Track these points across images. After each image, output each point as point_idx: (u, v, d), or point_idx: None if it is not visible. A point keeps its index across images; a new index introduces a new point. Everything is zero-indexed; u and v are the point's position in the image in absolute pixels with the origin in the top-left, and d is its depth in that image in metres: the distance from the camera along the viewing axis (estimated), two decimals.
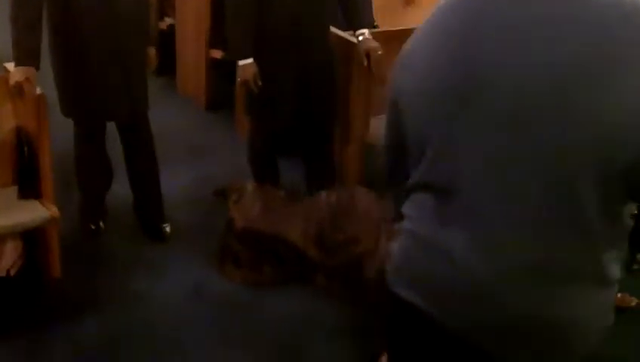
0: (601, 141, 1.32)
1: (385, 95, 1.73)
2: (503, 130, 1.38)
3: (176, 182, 4.28)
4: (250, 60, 3.56)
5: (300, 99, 3.72)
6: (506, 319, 1.47)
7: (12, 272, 3.31)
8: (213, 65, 5.34)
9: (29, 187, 3.18)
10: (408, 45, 1.60)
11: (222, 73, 5.29)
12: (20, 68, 3.14)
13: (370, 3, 4.03)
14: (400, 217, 1.66)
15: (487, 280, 1.45)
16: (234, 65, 4.81)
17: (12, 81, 3.13)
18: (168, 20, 5.87)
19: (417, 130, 1.54)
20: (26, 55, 3.13)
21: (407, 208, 1.63)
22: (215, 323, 3.24)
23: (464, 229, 1.47)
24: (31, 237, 3.29)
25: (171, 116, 5.15)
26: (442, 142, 1.47)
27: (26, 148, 3.14)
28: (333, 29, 3.99)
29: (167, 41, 5.79)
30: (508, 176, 1.40)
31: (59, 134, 3.61)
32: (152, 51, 3.66)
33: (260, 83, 3.58)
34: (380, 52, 3.69)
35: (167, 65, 5.84)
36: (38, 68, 3.17)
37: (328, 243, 3.53)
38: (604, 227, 1.40)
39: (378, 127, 4.02)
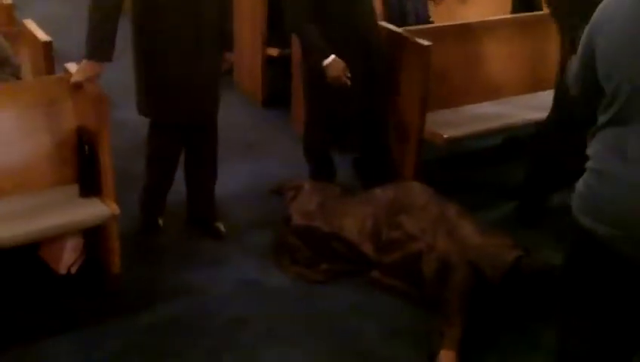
0: None
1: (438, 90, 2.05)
2: None
3: (233, 178, 4.32)
4: (333, 56, 3.58)
5: (364, 94, 3.75)
6: None
7: (73, 270, 3.38)
8: (269, 62, 5.38)
9: (89, 185, 3.23)
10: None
11: (278, 70, 5.34)
12: (84, 66, 3.20)
13: None
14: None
15: None
16: (289, 62, 4.87)
17: (72, 80, 3.19)
18: None
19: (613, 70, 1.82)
20: (98, 48, 3.18)
21: (592, 149, 1.94)
22: (270, 318, 3.25)
23: None
24: (92, 234, 3.35)
25: (229, 113, 5.12)
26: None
27: (86, 147, 3.19)
28: (383, 24, 3.97)
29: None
30: None
31: (118, 131, 3.69)
32: (230, 55, 3.71)
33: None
34: None
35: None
36: (110, 60, 3.21)
37: (384, 240, 3.51)
38: None
39: (434, 122, 4.02)
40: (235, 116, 5.25)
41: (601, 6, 1.91)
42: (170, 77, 3.37)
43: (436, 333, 3.06)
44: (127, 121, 3.56)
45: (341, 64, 3.58)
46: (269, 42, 5.32)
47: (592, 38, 1.89)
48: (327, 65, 3.59)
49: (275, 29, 5.23)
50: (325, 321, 3.25)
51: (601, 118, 1.90)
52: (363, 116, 3.88)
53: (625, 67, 1.79)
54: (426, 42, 3.85)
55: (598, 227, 1.89)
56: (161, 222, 3.84)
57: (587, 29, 1.93)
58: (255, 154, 4.73)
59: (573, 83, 2.10)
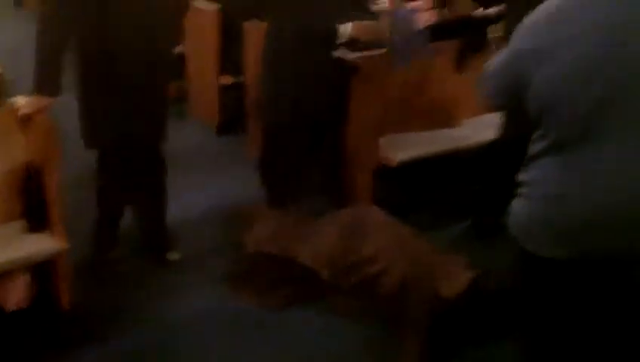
0: None
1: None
2: None
3: (189, 205, 4.29)
4: None
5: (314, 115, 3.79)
6: None
7: (23, 305, 3.30)
8: (223, 90, 5.38)
9: (37, 219, 3.17)
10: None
11: (232, 98, 5.35)
12: (33, 98, 3.15)
13: None
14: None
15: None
16: (243, 89, 4.88)
17: (21, 113, 3.15)
18: (179, 47, 5.90)
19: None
20: (45, 82, 3.14)
21: (530, 174, 1.94)
22: (228, 346, 3.21)
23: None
24: (42, 268, 3.28)
25: (183, 141, 5.17)
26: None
27: (34, 181, 3.14)
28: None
29: (177, 67, 5.84)
30: None
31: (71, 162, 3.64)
32: (175, 82, 3.70)
33: None
34: None
35: (179, 91, 5.89)
36: (57, 95, 3.16)
37: (341, 264, 3.50)
38: None
39: (387, 146, 4.04)
40: (190, 144, 5.23)
41: (539, 30, 1.84)
42: (115, 106, 3.34)
43: (396, 355, 3.06)
44: (81, 152, 3.51)
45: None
46: (222, 70, 5.32)
47: (530, 63, 1.83)
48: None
49: (229, 57, 5.25)
50: (285, 348, 3.22)
51: (540, 144, 1.89)
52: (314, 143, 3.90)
53: (580, 94, 1.76)
54: (376, 68, 3.87)
55: (544, 250, 1.91)
56: (114, 253, 3.78)
57: (525, 51, 1.85)
58: (211, 182, 4.70)
59: (493, 95, 2.08)
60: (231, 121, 5.40)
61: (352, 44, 3.87)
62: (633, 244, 1.81)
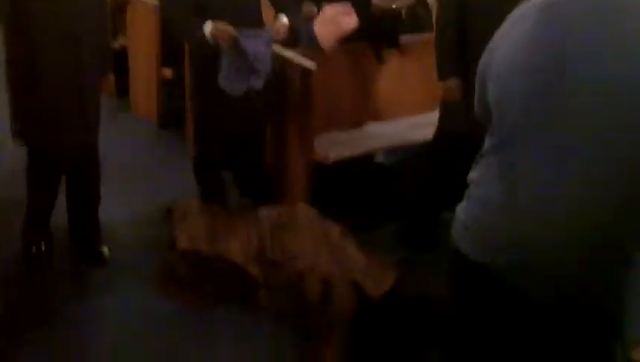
0: None
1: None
2: None
3: (124, 201, 4.27)
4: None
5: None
6: None
7: None
8: (164, 83, 5.35)
9: None
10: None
11: (173, 91, 5.32)
12: None
13: None
14: None
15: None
16: (183, 83, 4.87)
17: None
18: (121, 40, 5.86)
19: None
20: None
21: (475, 174, 1.87)
22: (152, 346, 3.20)
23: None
24: None
25: (123, 135, 5.17)
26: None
27: None
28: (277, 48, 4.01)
29: (120, 61, 5.79)
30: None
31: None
32: (110, 77, 3.65)
33: None
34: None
35: (121, 85, 5.84)
36: None
37: (268, 261, 3.52)
38: None
39: (322, 144, 4.07)
40: (130, 138, 5.22)
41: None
42: (45, 102, 3.31)
43: (318, 354, 3.08)
44: (7, 146, 3.49)
45: (219, 24, 3.55)
46: (163, 63, 5.29)
47: (489, 55, 1.83)
48: (210, 30, 3.55)
49: (169, 50, 5.22)
50: (205, 347, 3.22)
51: (487, 143, 1.84)
52: (238, 134, 3.92)
53: (516, 87, 1.72)
54: (309, 64, 3.89)
55: (483, 257, 1.81)
56: (43, 246, 3.75)
57: (489, 44, 1.86)
58: (149, 177, 4.68)
59: (474, 98, 2.00)
60: (172, 115, 5.37)
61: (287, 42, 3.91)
62: (545, 274, 1.72)
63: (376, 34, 4.28)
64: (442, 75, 3.69)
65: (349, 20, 3.97)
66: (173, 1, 3.81)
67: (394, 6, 4.23)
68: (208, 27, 3.54)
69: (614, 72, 1.57)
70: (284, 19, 3.73)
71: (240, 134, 3.93)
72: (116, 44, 5.83)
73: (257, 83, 3.71)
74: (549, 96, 1.65)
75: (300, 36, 4.09)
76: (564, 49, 1.62)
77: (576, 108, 1.61)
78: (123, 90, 5.82)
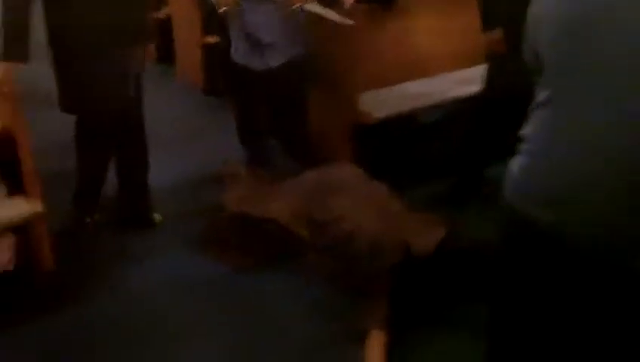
0: None
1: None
2: None
3: (171, 167, 4.34)
4: None
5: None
6: None
7: (9, 268, 3.38)
8: (209, 49, 5.38)
9: (14, 184, 3.23)
10: None
11: (220, 58, 5.34)
12: (0, 65, 3.18)
13: None
14: None
15: None
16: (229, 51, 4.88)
17: None
18: (166, 10, 5.91)
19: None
20: (12, 47, 3.13)
21: (526, 129, 1.84)
22: (193, 313, 3.25)
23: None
24: (23, 233, 3.35)
25: (169, 102, 5.25)
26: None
27: (8, 147, 3.19)
28: (307, 6, 3.98)
29: (165, 30, 5.86)
30: None
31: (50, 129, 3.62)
32: (150, 47, 3.68)
33: None
34: None
35: (167, 53, 5.92)
36: (25, 60, 3.17)
37: (315, 222, 3.53)
38: None
39: (366, 102, 4.05)
40: (176, 106, 5.29)
41: None
42: (87, 71, 3.35)
43: (365, 313, 3.10)
44: (59, 118, 3.56)
45: None
46: (207, 30, 5.31)
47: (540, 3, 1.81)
48: None
49: (215, 16, 5.22)
50: (252, 310, 3.25)
51: (538, 96, 1.81)
52: (277, 102, 3.92)
53: (554, 41, 1.72)
54: (347, 21, 3.86)
55: (535, 211, 1.78)
56: (97, 216, 3.84)
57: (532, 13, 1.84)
58: (196, 142, 4.74)
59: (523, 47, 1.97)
60: (218, 82, 5.39)
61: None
62: (609, 224, 1.68)
63: None
64: (486, 25, 3.62)
65: None
66: None
67: None
68: None
69: None
70: None
71: (279, 100, 3.93)
72: (162, 14, 5.92)
73: (273, 59, 3.67)
74: (600, 42, 1.63)
75: None
76: None
77: (624, 56, 1.59)
78: (169, 57, 5.92)
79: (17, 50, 3.15)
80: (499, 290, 2.04)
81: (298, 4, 3.62)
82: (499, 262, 2.02)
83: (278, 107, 3.95)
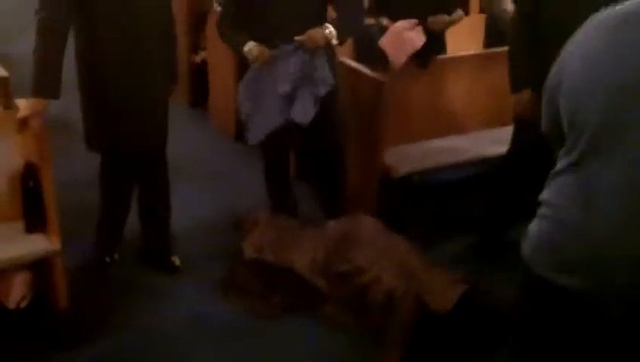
0: None
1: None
2: None
3: (195, 210, 4.36)
4: (251, 42, 3.58)
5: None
6: None
7: (22, 305, 3.38)
8: None
9: (34, 220, 3.25)
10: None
11: None
12: (30, 101, 3.22)
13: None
14: None
15: None
16: None
17: (19, 116, 3.22)
18: (202, 54, 5.99)
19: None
20: (43, 83, 3.19)
21: (547, 194, 1.84)
22: (214, 355, 3.23)
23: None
24: (40, 269, 3.36)
25: (199, 146, 5.31)
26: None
27: (31, 183, 3.21)
28: (342, 59, 4.00)
29: (200, 74, 5.93)
30: None
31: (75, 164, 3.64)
32: (174, 86, 3.72)
33: None
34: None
35: (201, 98, 5.99)
36: (56, 97, 3.21)
37: (334, 274, 3.51)
38: None
39: (393, 157, 4.03)
40: (207, 150, 5.32)
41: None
42: (115, 109, 3.39)
43: None
44: (84, 154, 3.60)
45: (261, 47, 3.56)
46: (241, 77, 5.35)
47: (559, 71, 1.82)
48: (247, 51, 3.59)
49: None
50: (272, 357, 3.24)
51: (561, 162, 1.81)
52: (312, 144, 3.92)
53: (589, 105, 1.70)
54: (381, 77, 3.87)
55: (560, 278, 1.77)
56: (116, 256, 3.85)
57: (557, 60, 1.86)
58: (222, 188, 4.75)
59: (542, 117, 2.00)
60: None
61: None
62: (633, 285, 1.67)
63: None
64: (516, 87, 3.60)
65: (417, 37, 3.93)
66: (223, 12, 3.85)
67: (448, 19, 4.14)
68: (248, 47, 3.58)
69: None
70: (328, 29, 3.60)
71: (310, 147, 3.92)
72: (197, 58, 6.00)
73: (299, 113, 3.66)
74: (630, 109, 1.63)
75: (369, 49, 4.07)
76: None
77: None
78: (203, 101, 5.99)
79: (48, 86, 3.19)
80: (520, 351, 2.02)
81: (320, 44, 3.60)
82: (520, 322, 2.01)
83: (317, 154, 3.96)
